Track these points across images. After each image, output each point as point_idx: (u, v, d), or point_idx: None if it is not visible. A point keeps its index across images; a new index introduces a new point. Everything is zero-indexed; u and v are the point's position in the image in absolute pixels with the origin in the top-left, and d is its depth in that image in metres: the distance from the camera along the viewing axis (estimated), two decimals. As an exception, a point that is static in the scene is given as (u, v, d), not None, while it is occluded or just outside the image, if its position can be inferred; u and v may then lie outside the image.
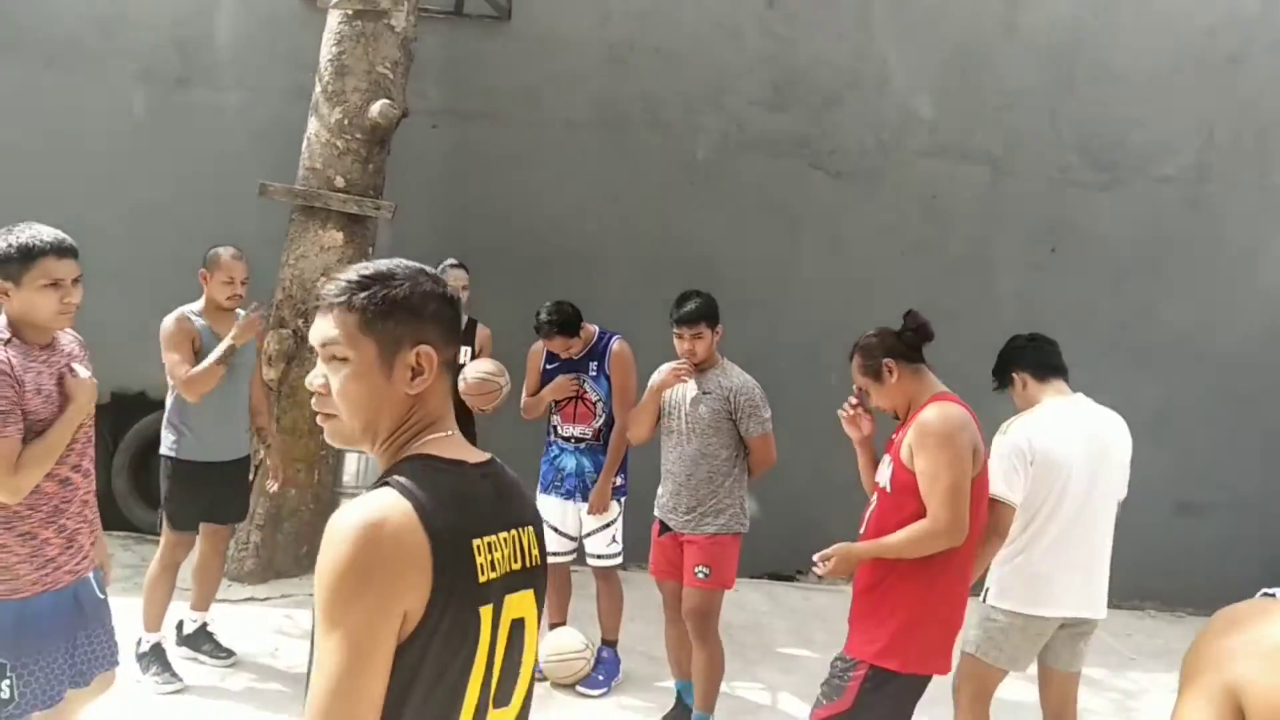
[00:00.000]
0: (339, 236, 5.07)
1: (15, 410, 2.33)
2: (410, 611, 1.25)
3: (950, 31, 6.10)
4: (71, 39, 5.81)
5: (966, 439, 2.71)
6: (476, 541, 1.32)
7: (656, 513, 3.90)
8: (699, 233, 6.02)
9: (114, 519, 5.27)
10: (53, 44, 5.80)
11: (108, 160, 5.75)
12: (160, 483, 4.02)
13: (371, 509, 1.26)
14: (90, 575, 2.59)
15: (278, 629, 4.56)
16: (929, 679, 2.80)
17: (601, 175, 6.01)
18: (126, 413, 5.76)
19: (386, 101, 4.96)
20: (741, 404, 3.70)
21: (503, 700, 1.38)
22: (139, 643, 3.91)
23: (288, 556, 5.12)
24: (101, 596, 2.63)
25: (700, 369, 3.79)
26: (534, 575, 1.44)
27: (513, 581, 1.38)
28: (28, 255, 2.36)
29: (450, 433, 1.41)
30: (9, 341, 2.40)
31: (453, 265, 4.74)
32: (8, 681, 2.35)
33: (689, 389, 3.78)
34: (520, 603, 1.40)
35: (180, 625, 4.19)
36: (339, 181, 5.07)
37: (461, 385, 4.05)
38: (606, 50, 5.96)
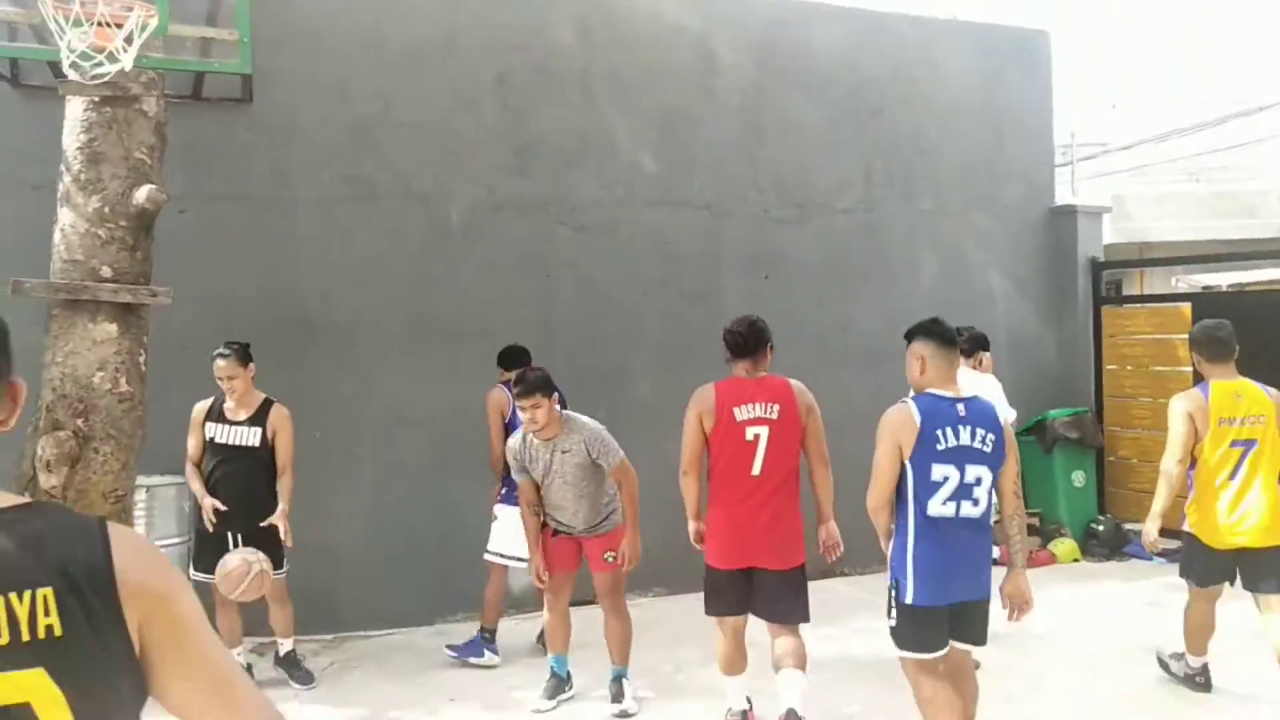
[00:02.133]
0: (112, 329, 4.85)
1: None
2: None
3: (660, 98, 6.96)
4: None
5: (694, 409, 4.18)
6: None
7: (552, 524, 4.60)
8: (461, 290, 6.37)
9: None
10: None
11: None
12: None
13: None
14: None
15: None
16: None
17: (359, 247, 6.17)
18: None
19: (153, 186, 4.86)
20: (595, 447, 4.41)
21: None
22: None
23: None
24: None
25: (548, 434, 4.42)
26: (33, 651, 1.13)
27: None
28: None
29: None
30: None
31: (217, 354, 5.05)
32: None
33: (552, 453, 4.47)
34: (10, 685, 1.12)
35: None
36: (105, 271, 4.86)
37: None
38: (352, 128, 6.17)
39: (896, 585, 3.57)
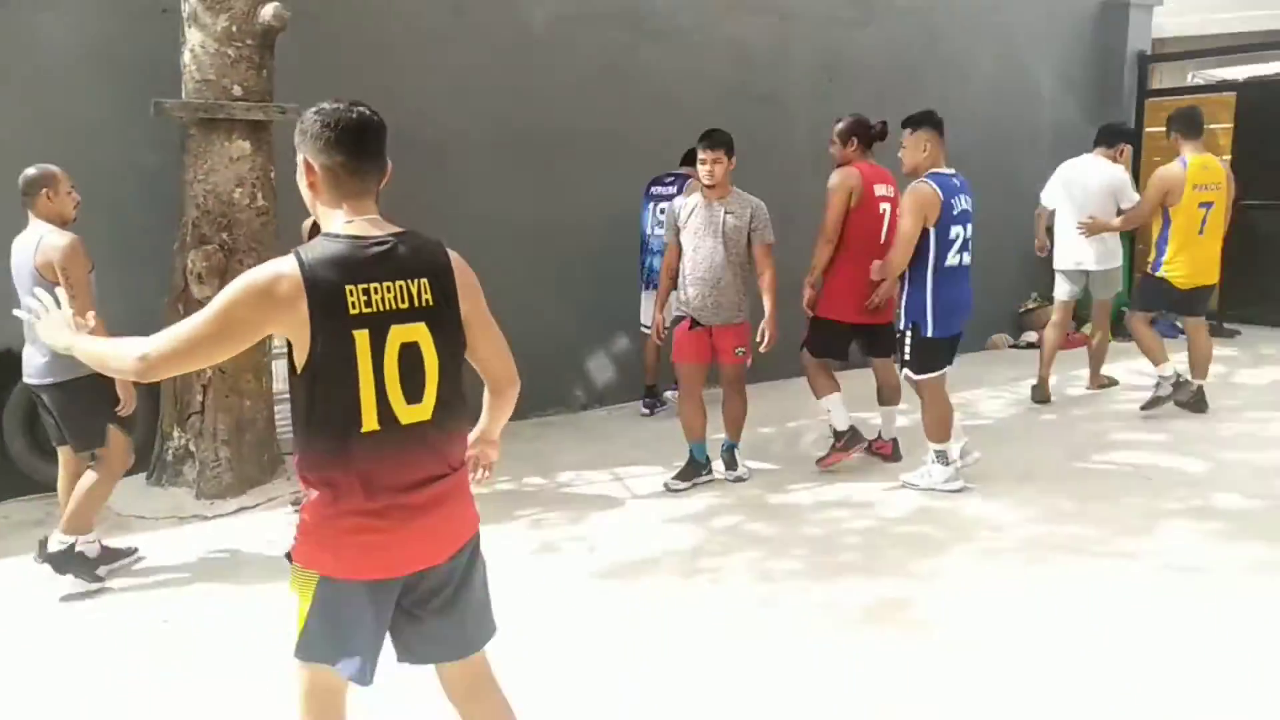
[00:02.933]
0: (246, 146, 5.11)
1: None
2: (295, 339, 1.89)
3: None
4: None
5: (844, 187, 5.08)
6: (349, 287, 1.90)
7: (682, 311, 5.01)
8: (547, 99, 6.56)
9: (18, 483, 5.17)
10: None
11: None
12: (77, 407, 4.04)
13: (270, 262, 1.95)
14: None
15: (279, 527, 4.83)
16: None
17: (452, 58, 6.29)
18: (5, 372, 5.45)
19: (277, 3, 4.99)
20: (760, 218, 4.87)
21: (414, 399, 1.97)
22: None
23: (254, 465, 5.31)
24: None
25: (718, 193, 4.85)
26: (423, 312, 1.98)
27: (399, 316, 1.94)
28: None
29: (357, 219, 1.99)
30: None
31: None
32: None
33: (713, 209, 4.85)
34: (410, 331, 1.96)
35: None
36: (236, 90, 5.07)
37: None
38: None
39: (915, 326, 4.75)
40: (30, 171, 4.07)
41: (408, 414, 1.98)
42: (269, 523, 4.85)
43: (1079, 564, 4.08)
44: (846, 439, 5.27)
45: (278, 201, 5.24)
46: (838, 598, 3.82)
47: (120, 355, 2.03)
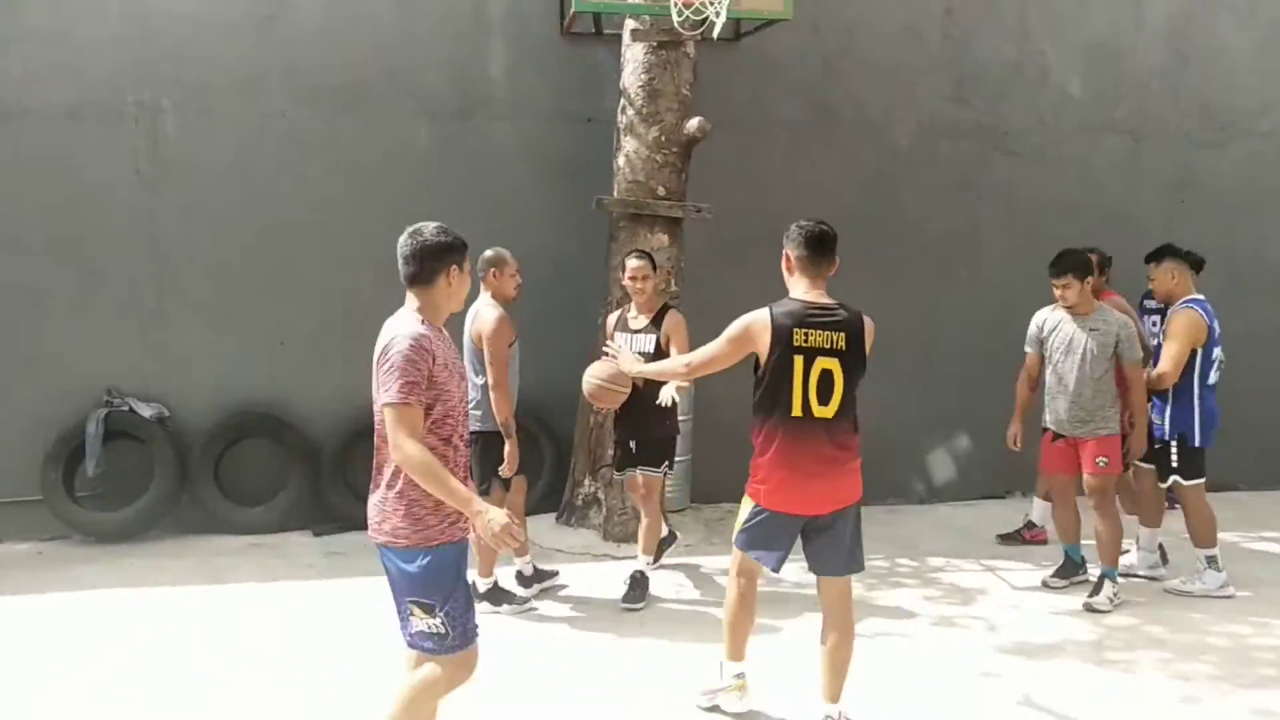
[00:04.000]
0: (665, 238, 5.83)
1: (422, 382, 2.72)
2: (760, 351, 3.33)
3: (1090, 29, 7.22)
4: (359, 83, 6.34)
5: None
6: (795, 329, 3.30)
7: (1051, 425, 5.07)
8: (902, 208, 6.99)
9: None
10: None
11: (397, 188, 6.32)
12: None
13: (754, 312, 3.38)
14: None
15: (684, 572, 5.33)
16: None
17: (820, 170, 6.88)
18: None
19: (701, 118, 5.74)
20: (1126, 337, 4.88)
21: (824, 401, 3.32)
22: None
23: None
24: None
25: (1081, 312, 4.93)
26: (839, 354, 3.32)
27: (823, 353, 3.31)
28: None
29: (803, 292, 3.41)
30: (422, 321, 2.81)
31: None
32: (440, 619, 2.77)
33: (1077, 326, 4.94)
34: (827, 362, 3.32)
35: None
36: (660, 190, 5.82)
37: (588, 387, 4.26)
38: (821, 62, 6.84)
39: (1182, 437, 5.05)
40: (487, 253, 4.77)
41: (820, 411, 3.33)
42: (669, 570, 5.34)
43: None
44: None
45: (684, 285, 5.91)
46: (1266, 704, 3.80)
47: (671, 367, 3.91)
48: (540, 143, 6.46)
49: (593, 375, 4.19)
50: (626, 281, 5.01)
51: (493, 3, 6.41)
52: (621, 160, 5.91)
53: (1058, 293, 4.95)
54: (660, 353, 4.86)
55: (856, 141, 6.94)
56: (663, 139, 5.80)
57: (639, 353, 4.57)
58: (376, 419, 2.78)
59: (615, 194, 5.92)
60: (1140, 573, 5.31)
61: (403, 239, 2.87)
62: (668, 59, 5.80)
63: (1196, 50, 7.40)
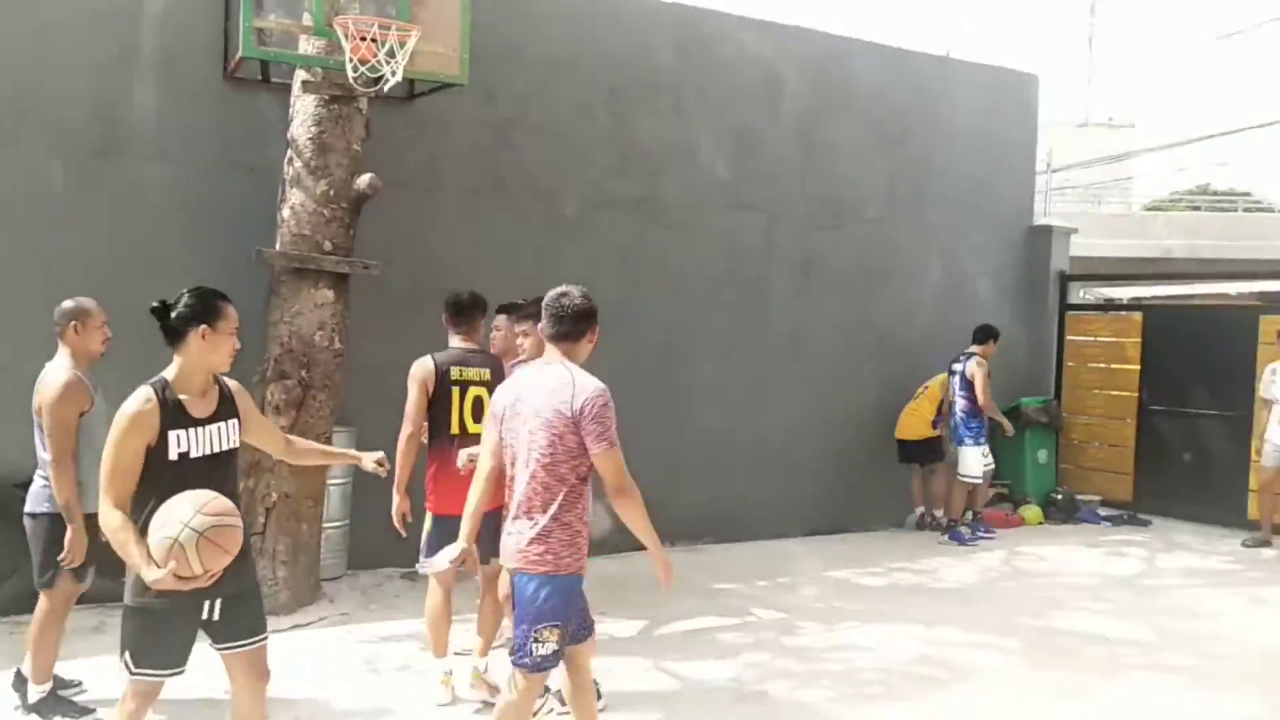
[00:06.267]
0: (330, 294, 5.69)
1: None
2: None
3: (736, 115, 8.06)
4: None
5: None
6: (454, 369, 4.51)
7: None
8: (566, 277, 7.32)
9: None
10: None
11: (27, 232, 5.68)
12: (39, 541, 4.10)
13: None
14: None
15: (336, 647, 5.17)
16: None
17: (491, 234, 7.07)
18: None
19: (372, 175, 5.70)
20: None
21: (477, 420, 4.35)
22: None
23: (306, 586, 5.62)
24: None
25: None
26: (485, 384, 4.49)
27: (475, 385, 4.53)
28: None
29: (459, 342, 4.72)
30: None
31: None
32: (554, 642, 3.20)
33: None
34: (478, 390, 4.52)
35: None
36: (327, 245, 5.69)
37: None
38: (494, 130, 7.05)
39: None
40: (65, 303, 4.16)
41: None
42: (319, 640, 5.16)
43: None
44: None
45: (350, 345, 5.80)
46: None
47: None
48: (195, 189, 6.09)
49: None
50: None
51: (145, 37, 5.99)
52: (287, 212, 5.73)
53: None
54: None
55: (527, 208, 7.22)
56: (331, 193, 5.70)
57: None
58: None
59: (279, 247, 5.71)
60: None
61: None
62: (340, 113, 5.72)
63: (820, 144, 8.51)
